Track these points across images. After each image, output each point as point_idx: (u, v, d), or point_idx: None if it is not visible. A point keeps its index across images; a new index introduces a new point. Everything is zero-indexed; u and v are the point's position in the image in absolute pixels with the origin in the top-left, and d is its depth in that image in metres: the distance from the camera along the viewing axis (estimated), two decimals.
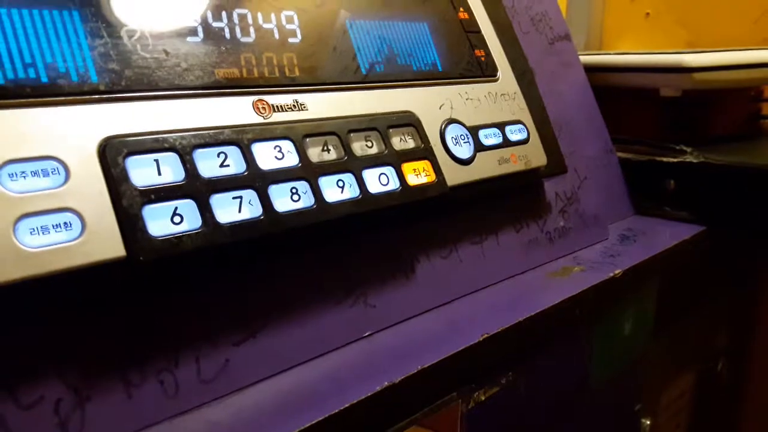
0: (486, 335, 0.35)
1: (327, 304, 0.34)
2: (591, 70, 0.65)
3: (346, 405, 0.28)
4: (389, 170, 0.35)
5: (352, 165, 0.33)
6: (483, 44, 0.45)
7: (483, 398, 0.38)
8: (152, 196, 0.25)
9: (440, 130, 0.39)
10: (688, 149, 0.60)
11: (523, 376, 0.41)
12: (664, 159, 0.60)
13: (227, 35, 0.31)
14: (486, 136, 0.42)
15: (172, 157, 0.26)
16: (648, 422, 0.67)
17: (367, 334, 0.35)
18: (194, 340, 0.28)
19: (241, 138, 0.28)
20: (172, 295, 0.28)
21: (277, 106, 0.31)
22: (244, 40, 0.32)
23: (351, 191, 0.32)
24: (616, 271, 0.45)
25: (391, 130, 0.36)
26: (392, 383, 0.30)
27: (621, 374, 0.53)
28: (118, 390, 0.26)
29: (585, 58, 0.66)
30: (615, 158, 0.62)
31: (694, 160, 0.58)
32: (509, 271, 0.45)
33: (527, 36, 0.56)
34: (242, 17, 0.32)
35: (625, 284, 0.45)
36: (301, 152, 0.31)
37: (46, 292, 0.24)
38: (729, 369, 0.82)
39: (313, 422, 0.27)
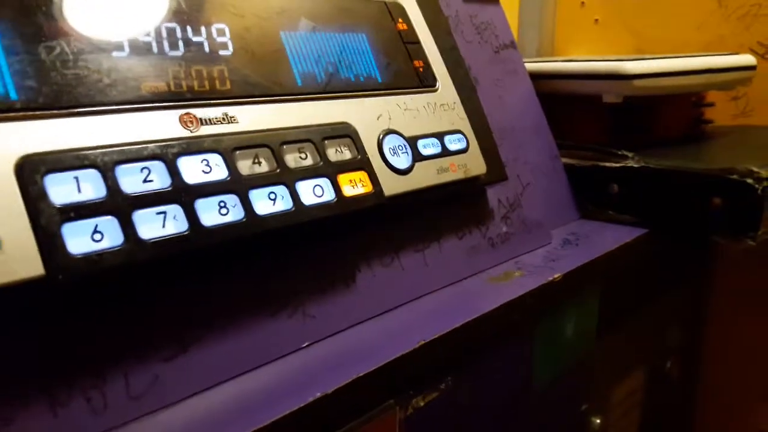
0: (423, 342, 0.36)
1: (263, 316, 0.34)
2: (537, 77, 0.66)
3: (278, 417, 0.29)
4: (324, 182, 0.35)
5: (285, 177, 0.33)
6: (422, 55, 0.46)
7: (422, 404, 0.38)
8: (72, 214, 0.25)
9: (378, 140, 0.40)
10: (630, 154, 0.62)
11: (463, 380, 0.41)
12: (607, 164, 0.62)
13: (154, 49, 0.31)
14: (424, 146, 0.42)
15: (93, 173, 0.26)
16: (598, 421, 0.68)
17: (305, 345, 0.35)
18: (123, 356, 0.28)
19: (166, 152, 0.28)
20: (98, 312, 0.28)
21: (205, 120, 0.31)
22: (172, 53, 0.32)
23: (284, 203, 0.33)
24: (556, 275, 0.46)
25: (326, 142, 0.36)
26: (325, 393, 0.31)
27: (565, 376, 0.54)
28: (43, 409, 0.26)
29: (531, 66, 0.67)
30: (560, 164, 0.63)
31: (635, 165, 0.60)
32: (452, 278, 0.45)
33: (470, 45, 0.57)
34: (170, 31, 0.32)
35: (564, 287, 0.46)
36: (231, 165, 0.31)
37: None
38: (678, 367, 0.84)
39: None
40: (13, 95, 0.25)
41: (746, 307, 0.85)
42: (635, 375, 0.77)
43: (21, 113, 0.25)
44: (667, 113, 0.73)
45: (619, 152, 0.63)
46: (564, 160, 0.64)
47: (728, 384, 0.89)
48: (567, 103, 0.70)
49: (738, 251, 0.81)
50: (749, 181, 0.53)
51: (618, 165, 0.61)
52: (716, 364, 0.89)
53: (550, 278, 0.46)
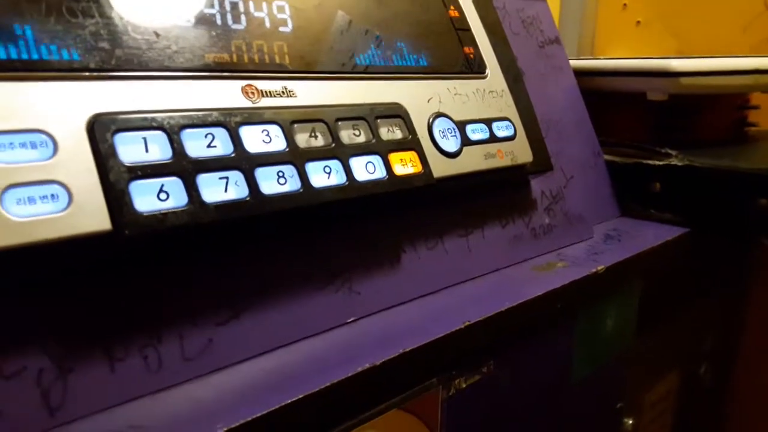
0: (468, 323, 0.36)
1: (312, 288, 0.34)
2: (581, 74, 0.66)
3: (328, 384, 0.29)
4: (376, 159, 0.35)
5: (339, 152, 0.34)
6: (472, 42, 0.46)
7: (464, 386, 0.38)
8: (139, 173, 0.25)
9: (428, 123, 0.40)
10: (674, 152, 0.61)
11: (505, 366, 0.41)
12: (650, 162, 0.61)
13: (218, 21, 0.32)
14: (473, 131, 0.42)
15: (160, 135, 0.27)
16: (631, 422, 0.67)
17: (350, 320, 0.36)
18: (178, 317, 0.29)
19: (229, 120, 0.29)
20: (158, 272, 0.29)
21: (266, 92, 0.32)
22: (235, 26, 0.32)
23: (338, 177, 0.33)
24: (599, 267, 0.46)
25: (379, 120, 0.37)
26: (374, 365, 0.31)
27: (603, 371, 0.53)
28: (102, 363, 0.26)
29: (575, 62, 0.67)
30: (602, 160, 0.62)
31: (679, 164, 0.59)
32: (493, 265, 0.45)
33: (517, 37, 0.57)
34: (234, 5, 0.33)
35: (607, 280, 0.46)
36: (289, 137, 0.31)
37: (31, 262, 0.24)
38: (712, 373, 0.82)
39: (295, 399, 0.28)
40: (85, 56, 0.26)
41: None
42: (669, 378, 0.76)
43: (94, 74, 0.26)
44: (711, 114, 0.72)
45: (663, 150, 0.62)
46: (605, 157, 0.63)
47: (762, 392, 0.87)
48: (608, 101, 0.70)
49: None
50: None
51: (661, 163, 0.60)
52: (750, 372, 0.88)
53: (594, 270, 0.45)
